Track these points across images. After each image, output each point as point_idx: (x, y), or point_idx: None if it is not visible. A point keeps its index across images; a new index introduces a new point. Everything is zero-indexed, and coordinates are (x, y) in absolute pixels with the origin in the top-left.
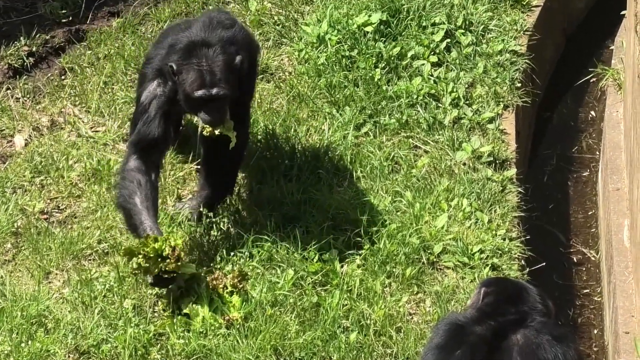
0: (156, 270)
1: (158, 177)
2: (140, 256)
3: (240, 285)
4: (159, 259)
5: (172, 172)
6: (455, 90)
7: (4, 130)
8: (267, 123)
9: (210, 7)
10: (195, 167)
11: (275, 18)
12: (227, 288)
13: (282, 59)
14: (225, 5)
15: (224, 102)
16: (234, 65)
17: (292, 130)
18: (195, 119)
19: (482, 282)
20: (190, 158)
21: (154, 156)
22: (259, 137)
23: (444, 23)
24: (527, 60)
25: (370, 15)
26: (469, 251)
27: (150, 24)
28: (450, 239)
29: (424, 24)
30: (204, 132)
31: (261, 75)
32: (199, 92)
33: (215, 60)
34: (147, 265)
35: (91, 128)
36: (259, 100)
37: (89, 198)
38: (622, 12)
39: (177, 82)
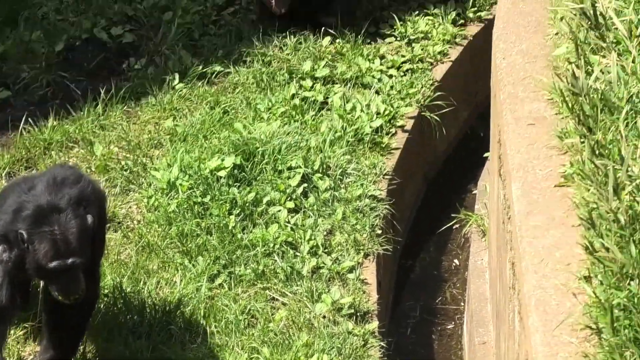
0: None
1: (3, 347)
2: None
3: None
4: None
5: (11, 331)
6: (313, 238)
7: None
8: (114, 276)
9: (53, 152)
10: (38, 325)
11: (123, 163)
12: None
13: (130, 207)
14: (68, 150)
15: (80, 270)
16: (87, 228)
17: (142, 282)
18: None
19: None
20: (32, 315)
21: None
22: (106, 291)
23: (300, 167)
24: (387, 206)
25: (223, 160)
26: None
27: None
28: None
29: (279, 167)
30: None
31: (108, 224)
32: (54, 263)
33: (67, 226)
34: None
35: None
36: (106, 252)
37: None
38: (485, 155)
39: (27, 251)
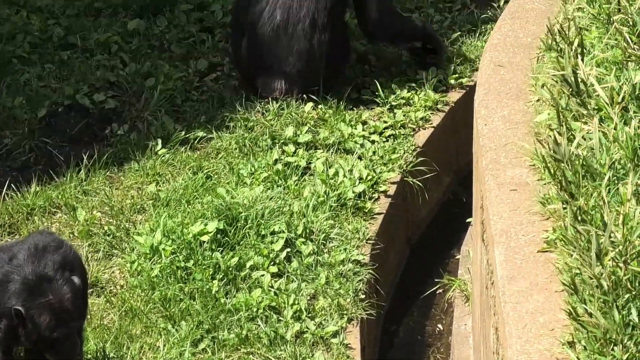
0: None
1: None
2: None
3: None
4: None
5: None
6: (296, 302)
7: None
8: (97, 341)
9: (36, 218)
10: None
11: (106, 228)
12: None
13: (113, 272)
14: (51, 215)
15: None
16: (78, 289)
17: (125, 347)
18: None
19: None
20: None
21: None
22: (89, 356)
23: (283, 232)
24: (370, 271)
25: (206, 224)
26: None
27: None
28: None
29: (262, 232)
30: None
31: (91, 289)
32: (57, 332)
33: (61, 293)
34: None
35: None
36: (89, 317)
37: None
38: (468, 220)
39: (25, 325)
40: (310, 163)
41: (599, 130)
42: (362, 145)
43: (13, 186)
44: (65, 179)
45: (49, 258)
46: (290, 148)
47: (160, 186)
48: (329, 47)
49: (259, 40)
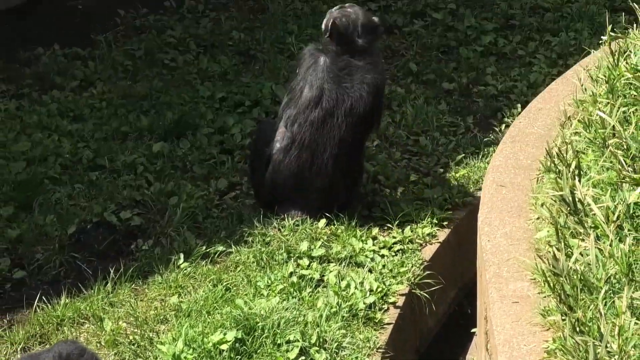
0: None
1: None
2: None
3: None
4: None
5: None
6: None
7: None
8: None
9: (65, 328)
10: None
11: (131, 337)
12: None
13: None
14: (80, 326)
15: None
16: None
17: None
18: None
19: None
20: None
21: None
22: None
23: (298, 340)
24: None
25: (225, 334)
26: None
27: (3, 346)
28: None
29: (278, 341)
30: None
31: None
32: None
33: None
34: None
35: None
36: None
37: None
38: (473, 330)
39: None
40: (323, 275)
41: (595, 247)
42: (372, 259)
43: (44, 298)
44: (93, 291)
45: None
46: (305, 262)
47: (182, 298)
48: (349, 178)
49: (282, 174)
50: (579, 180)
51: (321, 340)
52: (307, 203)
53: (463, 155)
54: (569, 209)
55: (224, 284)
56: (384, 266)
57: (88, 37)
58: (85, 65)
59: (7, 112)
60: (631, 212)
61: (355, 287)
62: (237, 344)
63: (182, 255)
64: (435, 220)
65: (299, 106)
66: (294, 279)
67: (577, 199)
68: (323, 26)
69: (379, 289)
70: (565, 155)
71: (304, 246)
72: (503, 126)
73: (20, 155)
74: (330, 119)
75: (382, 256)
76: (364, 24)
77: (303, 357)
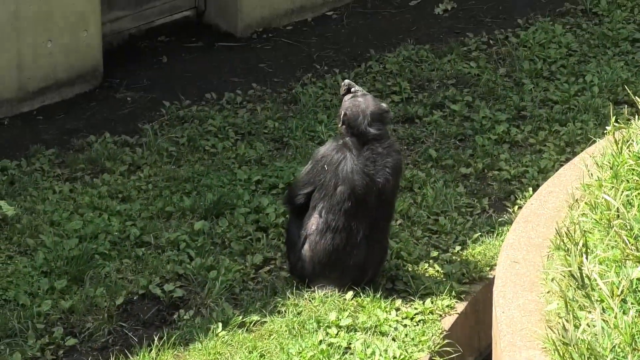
0: None
1: None
2: None
3: None
4: None
5: None
6: None
7: None
8: None
9: None
10: None
11: None
12: None
13: None
14: None
15: None
16: None
17: None
18: None
19: None
20: None
21: None
22: None
23: None
24: None
25: None
26: None
27: None
28: None
29: None
30: None
31: None
32: None
33: None
34: None
35: None
36: None
37: None
38: None
39: None
40: (350, 343)
41: (601, 319)
42: (395, 329)
43: None
44: (138, 357)
45: None
46: (333, 330)
47: None
48: (378, 256)
49: (318, 253)
50: (586, 258)
51: None
52: (339, 278)
53: (479, 234)
54: (577, 283)
55: (259, 350)
56: (406, 335)
57: (136, 126)
58: (133, 151)
59: (61, 193)
60: (634, 287)
61: (380, 355)
62: None
63: (220, 325)
64: (454, 293)
65: (333, 200)
66: (323, 346)
67: (584, 275)
68: (338, 118)
69: (402, 356)
70: (573, 234)
71: (332, 316)
72: (516, 207)
73: (73, 233)
74: (362, 206)
75: (405, 326)
76: (373, 111)
77: None
